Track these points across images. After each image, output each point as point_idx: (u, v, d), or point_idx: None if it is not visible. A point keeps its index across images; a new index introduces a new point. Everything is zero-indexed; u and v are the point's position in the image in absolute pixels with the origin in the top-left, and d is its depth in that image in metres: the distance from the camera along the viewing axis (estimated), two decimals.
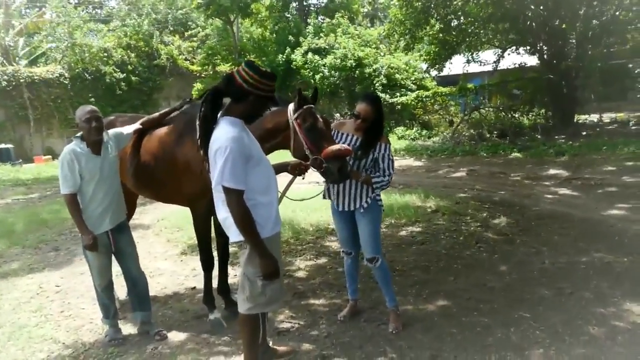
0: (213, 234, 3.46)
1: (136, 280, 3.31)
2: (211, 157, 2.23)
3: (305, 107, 2.79)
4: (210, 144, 2.24)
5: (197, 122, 2.42)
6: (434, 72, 17.26)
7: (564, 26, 13.68)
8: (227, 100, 2.34)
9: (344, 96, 19.64)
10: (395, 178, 8.86)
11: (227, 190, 2.17)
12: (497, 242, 5.14)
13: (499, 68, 16.50)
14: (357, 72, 18.66)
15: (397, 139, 16.76)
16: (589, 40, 13.69)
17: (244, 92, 2.23)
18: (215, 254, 3.49)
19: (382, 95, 17.53)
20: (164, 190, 3.45)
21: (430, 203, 6.94)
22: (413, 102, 17.95)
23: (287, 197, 3.10)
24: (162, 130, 3.40)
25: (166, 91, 22.17)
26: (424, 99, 18.15)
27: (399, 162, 12.41)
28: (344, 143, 3.12)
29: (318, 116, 2.80)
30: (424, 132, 17.39)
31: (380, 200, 3.20)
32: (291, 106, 2.84)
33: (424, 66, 18.27)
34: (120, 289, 3.95)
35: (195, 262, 4.98)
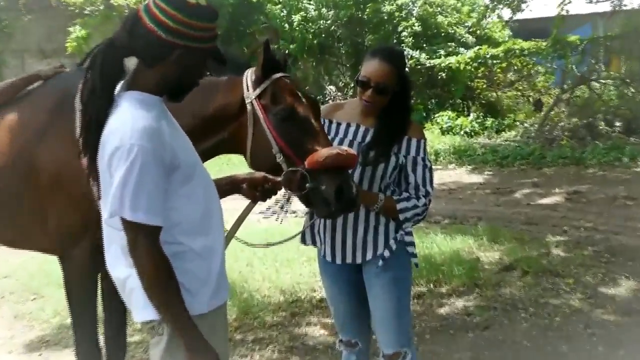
0: (100, 307, 3.43)
1: None
2: (102, 165, 2.24)
3: (276, 76, 2.83)
4: (101, 142, 2.25)
5: (78, 101, 2.39)
6: (506, 14, 17.39)
7: None
8: (132, 63, 2.36)
9: (345, 53, 19.76)
10: (434, 205, 8.61)
11: (130, 226, 2.18)
12: (623, 327, 5.14)
13: (622, 7, 16.69)
14: (367, 11, 18.82)
15: (440, 132, 16.91)
16: None
17: (161, 45, 2.25)
18: (103, 342, 3.44)
19: (413, 52, 17.76)
20: (12, 225, 3.41)
21: (500, 252, 6.93)
22: (469, 67, 17.92)
23: (237, 238, 3.08)
24: (13, 116, 3.36)
25: (20, 40, 22.01)
26: (489, 62, 18.16)
27: (443, 175, 12.54)
28: (342, 141, 3.16)
29: (299, 93, 2.84)
30: (489, 121, 17.63)
31: (412, 244, 3.23)
32: (249, 74, 2.88)
33: (488, 2, 18.49)
34: None
35: (66, 358, 4.91)
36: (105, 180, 2.23)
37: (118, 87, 2.34)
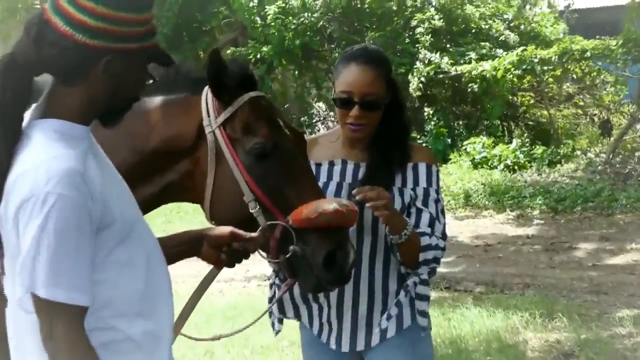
0: None
1: None
2: (6, 222, 2.00)
3: (248, 95, 2.55)
4: (5, 190, 2.02)
5: None
6: (560, 2, 16.04)
7: None
8: (44, 80, 2.14)
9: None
10: (465, 266, 8.67)
11: (45, 307, 1.93)
12: None
13: None
14: (367, 1, 16.87)
15: (472, 166, 15.36)
16: None
17: (82, 53, 2.01)
18: None
19: (433, 56, 16.02)
20: None
21: (557, 333, 6.44)
22: (510, 76, 15.80)
23: (182, 334, 2.64)
24: None
25: None
26: (538, 68, 15.80)
27: (476, 225, 11.78)
28: (326, 185, 2.87)
29: (280, 121, 2.58)
30: (539, 149, 15.77)
31: (427, 298, 2.88)
32: (208, 93, 2.56)
33: None
34: None
35: None
36: (10, 243, 2.00)
37: (27, 115, 2.12)
